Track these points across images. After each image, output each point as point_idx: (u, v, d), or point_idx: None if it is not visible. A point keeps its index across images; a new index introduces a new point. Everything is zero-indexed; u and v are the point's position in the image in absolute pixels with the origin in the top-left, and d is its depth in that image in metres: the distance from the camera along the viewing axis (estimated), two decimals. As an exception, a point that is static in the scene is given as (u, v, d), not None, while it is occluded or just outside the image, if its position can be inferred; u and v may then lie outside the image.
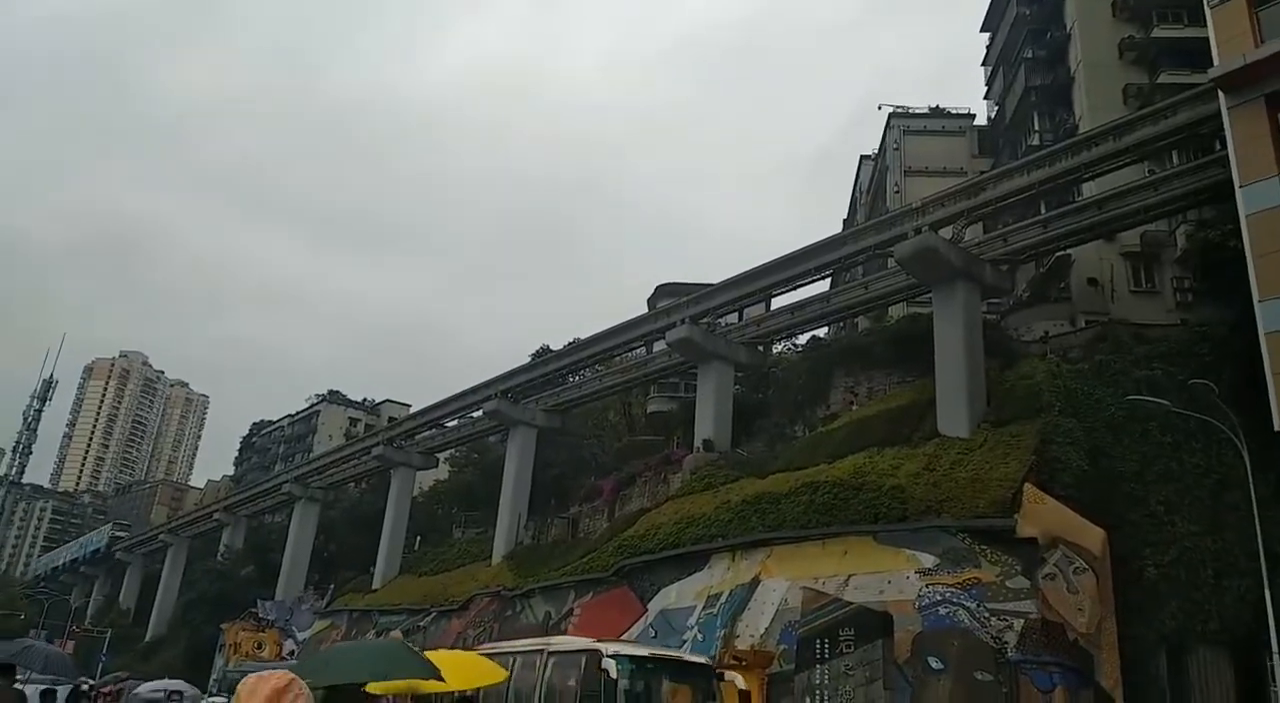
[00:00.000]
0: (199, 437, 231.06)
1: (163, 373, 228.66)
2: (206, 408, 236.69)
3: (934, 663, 19.86)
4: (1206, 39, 22.51)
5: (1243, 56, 20.53)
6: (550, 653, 14.96)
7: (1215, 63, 21.48)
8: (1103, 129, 27.33)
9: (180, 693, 26.99)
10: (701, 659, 15.74)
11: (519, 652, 16.59)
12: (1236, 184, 20.53)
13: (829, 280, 37.44)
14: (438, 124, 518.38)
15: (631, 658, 13.22)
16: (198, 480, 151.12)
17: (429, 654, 14.64)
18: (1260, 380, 19.02)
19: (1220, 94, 21.44)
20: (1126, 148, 25.95)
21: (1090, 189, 29.35)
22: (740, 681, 14.34)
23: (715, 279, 36.97)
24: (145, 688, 27.40)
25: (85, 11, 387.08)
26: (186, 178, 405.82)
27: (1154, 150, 26.63)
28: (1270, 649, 17.82)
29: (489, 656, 17.22)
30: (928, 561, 21.42)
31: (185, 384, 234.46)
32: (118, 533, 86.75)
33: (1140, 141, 25.71)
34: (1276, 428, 18.40)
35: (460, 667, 14.74)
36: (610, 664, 12.48)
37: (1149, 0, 35.70)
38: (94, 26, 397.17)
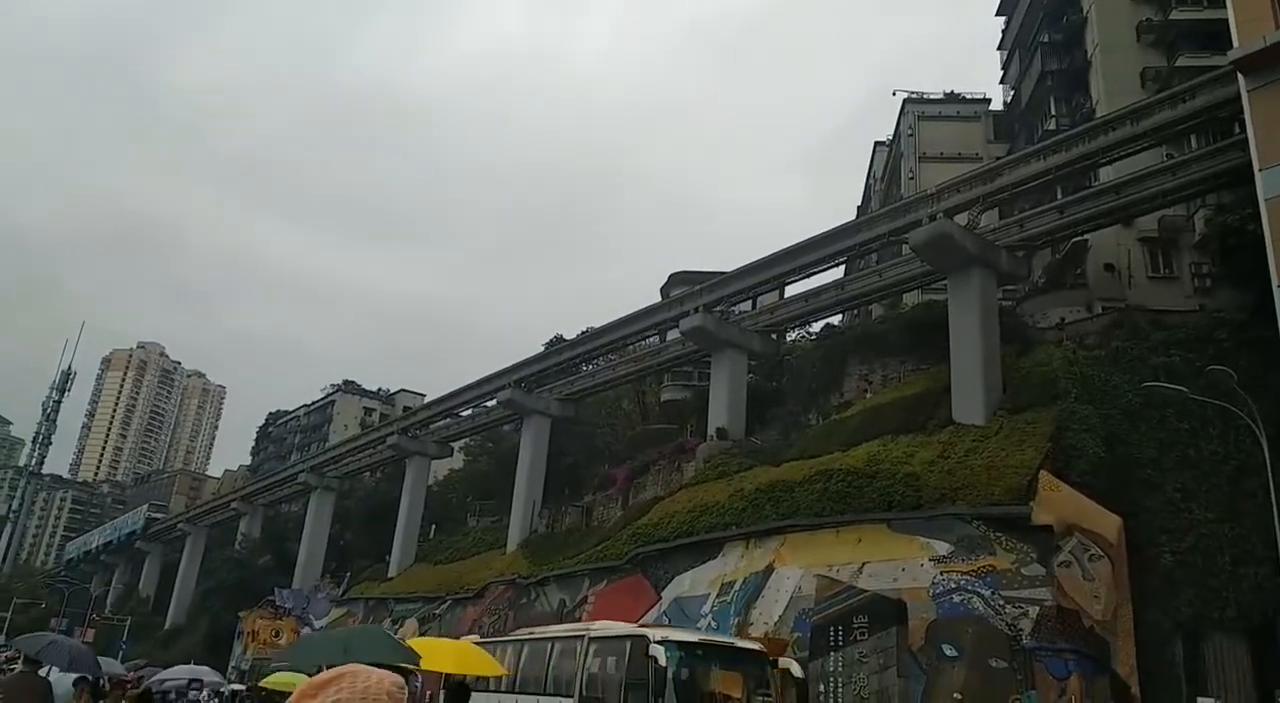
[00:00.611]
0: (216, 427, 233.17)
1: (180, 364, 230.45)
2: (223, 398, 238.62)
3: (948, 651, 19.82)
4: (1225, 21, 22.21)
5: (1263, 38, 20.24)
6: (592, 639, 14.37)
7: (1234, 45, 21.19)
8: (1120, 113, 27.02)
9: (200, 681, 27.26)
10: (754, 645, 14.90)
11: (557, 637, 16.21)
12: (1256, 168, 20.28)
13: (843, 268, 37.25)
14: (450, 112, 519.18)
15: (681, 644, 12.53)
16: (215, 470, 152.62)
17: (434, 642, 15.81)
18: (1279, 366, 18.82)
19: (1240, 77, 21.17)
20: (1144, 132, 25.65)
21: (1107, 174, 29.05)
22: (796, 668, 13.69)
23: (729, 265, 36.84)
24: (167, 674, 27.69)
25: (99, 10, 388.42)
26: (201, 169, 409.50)
27: (1172, 134, 26.32)
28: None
29: (524, 641, 17.25)
30: (942, 548, 21.36)
31: (202, 375, 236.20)
32: (153, 515, 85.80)
33: (1158, 126, 25.41)
34: (1296, 414, 18.21)
35: (457, 655, 14.84)
36: (659, 651, 11.84)
37: (1167, -18, 35.22)
38: (108, 25, 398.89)
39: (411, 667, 13.32)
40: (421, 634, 39.05)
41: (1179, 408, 22.58)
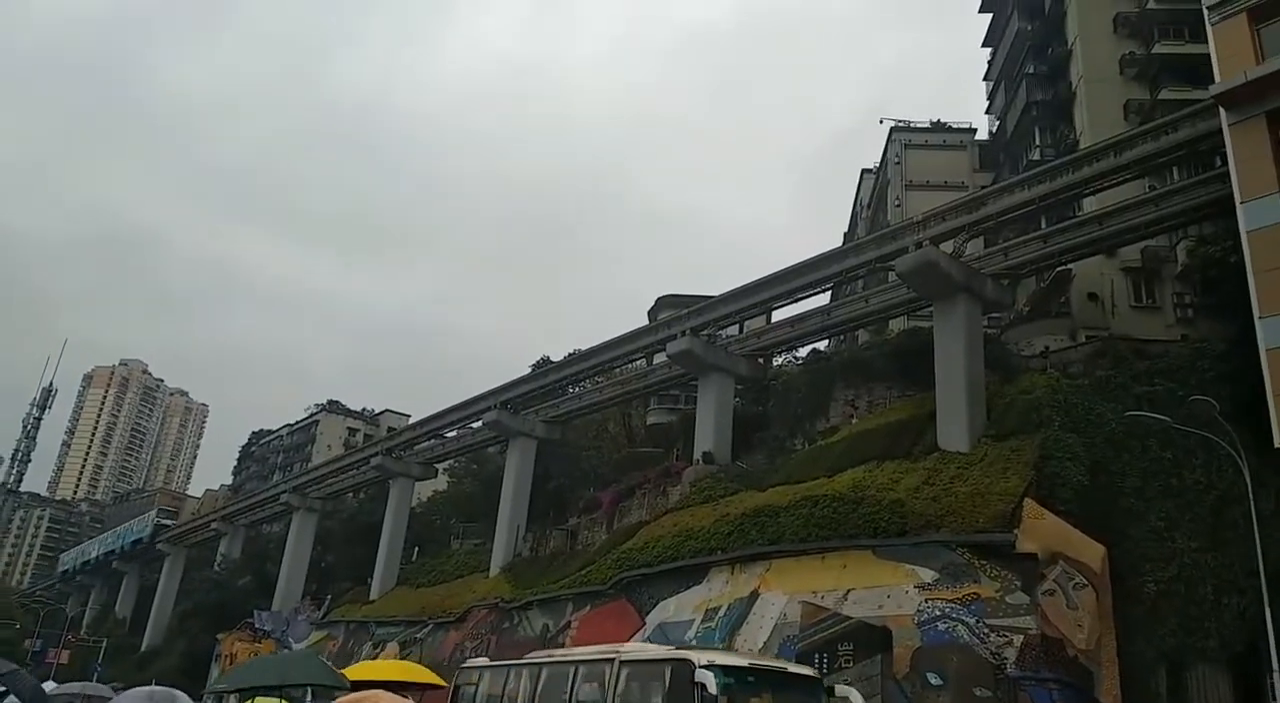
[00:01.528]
0: (198, 445, 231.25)
1: (162, 381, 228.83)
2: (206, 417, 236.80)
3: (933, 679, 19.75)
4: (1207, 55, 22.63)
5: (1244, 73, 20.62)
6: (624, 662, 13.21)
7: (1216, 79, 21.58)
8: (1103, 145, 27.38)
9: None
10: (808, 671, 13.77)
11: (582, 660, 14.95)
12: (1237, 200, 20.59)
13: (829, 293, 37.47)
14: (440, 126, 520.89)
15: (730, 669, 11.45)
16: (196, 489, 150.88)
17: (380, 663, 15.75)
18: (1261, 397, 19.01)
19: (1221, 110, 21.52)
20: (1127, 164, 25.99)
21: (1091, 204, 29.41)
22: (856, 696, 12.53)
23: (717, 288, 37.13)
24: (125, 697, 25.88)
25: (90, 12, 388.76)
26: (191, 179, 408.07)
27: (1155, 166, 26.68)
28: (1270, 667, 17.72)
29: (542, 664, 16.05)
30: (927, 575, 21.34)
31: (185, 393, 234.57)
32: (163, 521, 79.37)
33: (1141, 157, 25.75)
34: (1277, 444, 18.36)
35: (401, 670, 14.96)
36: (707, 677, 10.80)
37: (1150, 16, 35.89)
38: (98, 26, 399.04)
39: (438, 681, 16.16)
40: (403, 658, 38.66)
41: (1162, 437, 22.72)
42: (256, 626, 51.45)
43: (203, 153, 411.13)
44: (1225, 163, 22.03)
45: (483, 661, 20.06)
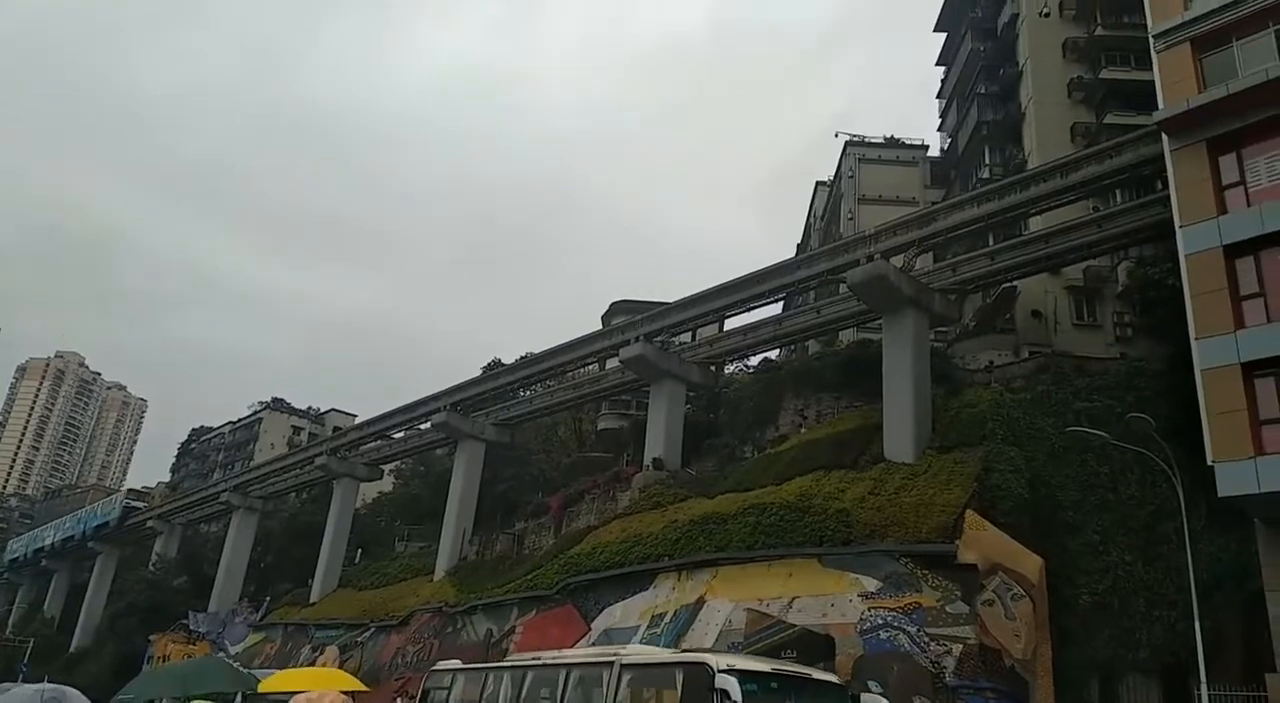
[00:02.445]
0: (135, 441, 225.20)
1: (100, 375, 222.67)
2: (144, 412, 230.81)
3: (874, 687, 19.94)
4: (1152, 82, 23.21)
5: (1186, 101, 21.20)
6: (625, 665, 12.06)
7: (1160, 106, 22.14)
8: (1050, 166, 28.04)
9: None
10: (832, 677, 13.01)
11: (574, 663, 13.72)
12: (1177, 224, 21.13)
13: (782, 303, 37.77)
14: (402, 129, 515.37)
15: (752, 675, 10.47)
16: (132, 486, 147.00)
17: (298, 672, 15.31)
18: (1195, 415, 19.54)
19: (1164, 136, 22.10)
20: (1072, 185, 26.63)
21: (1037, 223, 30.06)
22: None
23: (671, 295, 37.13)
24: (11, 694, 24.60)
25: (53, 4, 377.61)
26: (149, 174, 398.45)
27: (1099, 188, 27.37)
28: (1199, 677, 18.21)
29: (525, 668, 14.83)
30: (871, 584, 21.59)
31: (123, 387, 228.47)
32: (133, 503, 70.94)
33: (1086, 180, 26.40)
34: (1209, 462, 18.90)
35: (315, 677, 14.64)
36: (731, 685, 9.87)
37: (1098, 42, 36.82)
38: (61, 19, 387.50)
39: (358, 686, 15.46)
40: (343, 661, 38.06)
41: (1100, 452, 23.30)
42: (191, 627, 50.22)
43: (163, 149, 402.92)
44: (1166, 187, 22.60)
45: (455, 663, 19.02)
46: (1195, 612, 18.66)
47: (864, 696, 12.60)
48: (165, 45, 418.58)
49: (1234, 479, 18.37)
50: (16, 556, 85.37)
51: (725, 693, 9.95)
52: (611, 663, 12.27)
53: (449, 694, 16.55)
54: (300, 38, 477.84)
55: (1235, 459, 18.44)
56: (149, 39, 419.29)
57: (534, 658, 16.12)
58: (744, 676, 10.25)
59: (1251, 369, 18.94)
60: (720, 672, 10.11)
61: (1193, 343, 20.02)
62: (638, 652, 13.56)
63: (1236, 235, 19.86)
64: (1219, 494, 18.70)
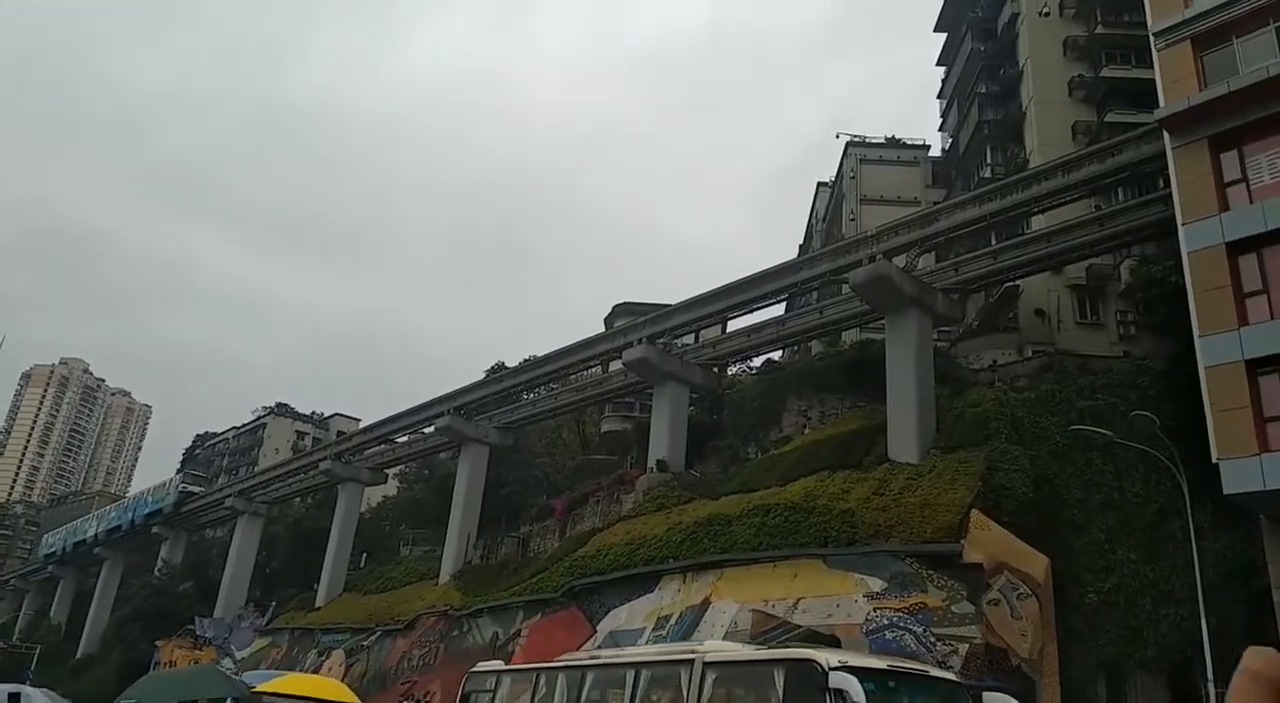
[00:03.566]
0: (139, 448, 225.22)
1: (104, 381, 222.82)
2: (149, 418, 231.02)
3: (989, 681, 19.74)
4: (1153, 80, 23.23)
5: (1187, 99, 21.21)
6: (709, 664, 10.84)
7: (1161, 104, 22.16)
8: (1052, 165, 28.04)
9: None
10: (951, 676, 12.04)
11: (643, 662, 12.52)
12: (1179, 222, 21.13)
13: (784, 304, 37.78)
14: (399, 130, 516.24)
15: (868, 673, 9.38)
16: (136, 492, 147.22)
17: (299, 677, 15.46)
18: (1199, 413, 19.53)
19: (1165, 134, 22.12)
20: (1074, 184, 26.63)
21: (1039, 222, 30.05)
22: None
23: (674, 297, 37.15)
24: None
25: (42, 4, 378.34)
26: (142, 176, 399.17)
27: (1101, 187, 27.37)
28: (1206, 676, 18.20)
29: (585, 668, 13.69)
30: (876, 585, 21.57)
31: (127, 393, 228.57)
32: (190, 487, 65.63)
33: (1088, 178, 26.40)
34: (1214, 459, 18.89)
35: (311, 684, 14.68)
36: (850, 684, 8.85)
37: (1099, 41, 36.83)
38: (50, 19, 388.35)
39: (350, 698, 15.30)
40: (349, 665, 38.11)
41: (1104, 451, 23.28)
42: (198, 633, 50.28)
43: (156, 151, 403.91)
44: (1168, 185, 22.63)
45: (497, 664, 17.96)
46: (1201, 610, 18.67)
47: (987, 694, 11.40)
48: (159, 44, 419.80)
49: (1239, 477, 18.36)
50: (53, 549, 78.47)
51: (842, 694, 8.88)
52: (691, 661, 11.01)
53: (493, 698, 15.32)
54: (295, 37, 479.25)
55: (1240, 457, 18.43)
56: (142, 38, 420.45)
57: (591, 657, 15.13)
58: (859, 673, 9.23)
59: (1255, 366, 18.94)
60: (834, 670, 9.02)
61: (1196, 340, 20.01)
62: (722, 648, 12.33)
63: (1239, 232, 19.87)
64: (1224, 492, 18.69)
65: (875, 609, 21.14)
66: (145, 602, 57.76)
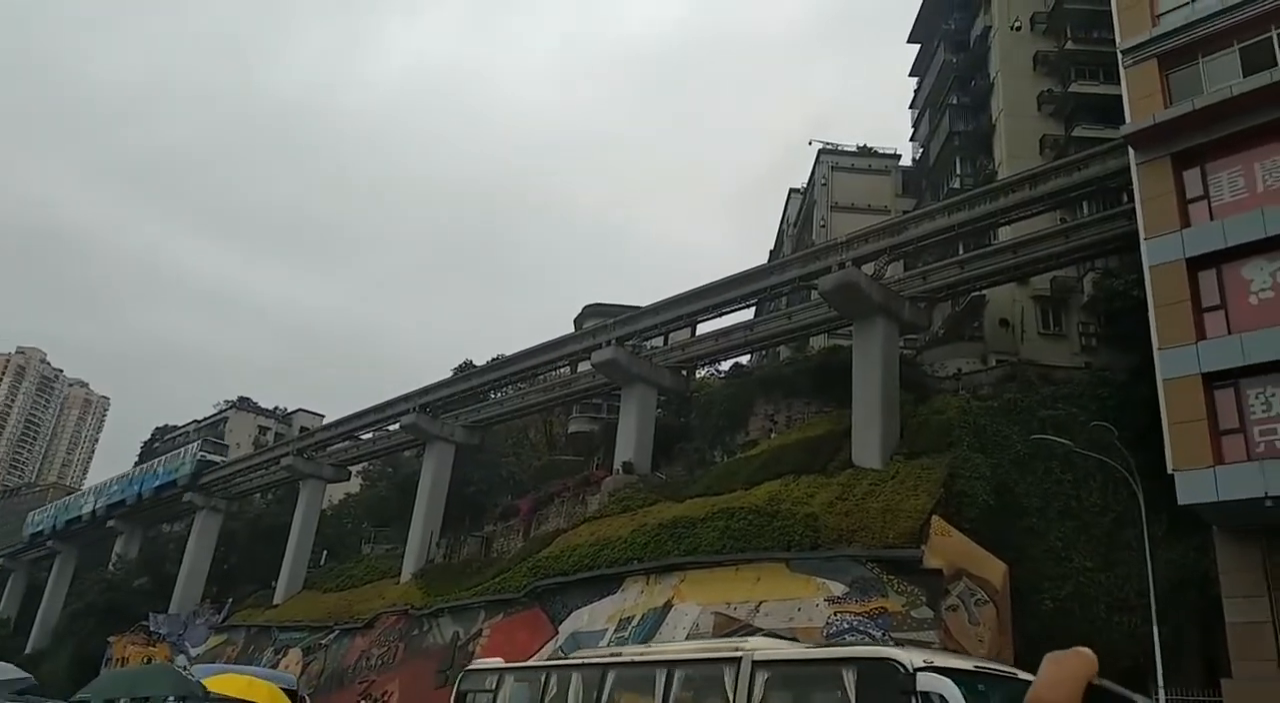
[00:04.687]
0: (97, 439, 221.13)
1: (61, 371, 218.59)
2: (107, 410, 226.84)
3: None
4: (1120, 97, 23.59)
5: (1152, 116, 21.57)
6: (760, 663, 9.58)
7: (1127, 120, 22.51)
8: (1019, 177, 28.42)
9: None
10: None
11: (679, 660, 11.16)
12: (1142, 236, 21.47)
13: (754, 309, 37.93)
14: (373, 129, 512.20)
15: (955, 674, 8.33)
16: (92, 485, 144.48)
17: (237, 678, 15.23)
18: (1157, 425, 19.86)
19: (1130, 150, 22.47)
20: (1041, 196, 27.01)
21: (1006, 233, 30.45)
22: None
23: (644, 299, 37.19)
24: None
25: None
26: (115, 171, 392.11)
27: (1067, 200, 27.77)
28: (1156, 683, 18.50)
29: (601, 665, 12.38)
30: (837, 589, 21.69)
31: (85, 384, 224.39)
32: (209, 456, 58.64)
33: (1054, 191, 26.78)
34: (1170, 470, 19.20)
35: (247, 686, 14.46)
36: (945, 687, 7.88)
37: (1068, 56, 37.40)
38: (25, 9, 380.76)
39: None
40: (307, 664, 37.68)
41: (1064, 460, 23.63)
42: (152, 629, 49.38)
43: (129, 145, 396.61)
44: (1132, 200, 22.98)
45: (497, 661, 16.37)
46: (1154, 618, 18.98)
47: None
48: (130, 38, 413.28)
49: (1193, 488, 18.68)
50: (40, 529, 71.32)
51: (930, 698, 7.89)
52: (738, 659, 9.72)
53: (494, 699, 13.90)
54: (277, 34, 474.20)
55: (1195, 468, 18.76)
56: (113, 31, 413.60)
57: (613, 653, 13.64)
58: (953, 675, 8.26)
59: (1211, 380, 19.29)
60: (921, 670, 7.97)
61: (1155, 353, 20.34)
62: (771, 645, 10.99)
63: (1199, 248, 20.23)
64: (1179, 502, 18.99)
65: (836, 613, 21.25)
66: (99, 597, 56.67)
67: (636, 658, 12.35)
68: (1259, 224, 19.38)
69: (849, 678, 8.82)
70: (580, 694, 12.11)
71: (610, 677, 11.84)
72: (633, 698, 11.46)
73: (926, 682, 7.99)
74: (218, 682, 15.57)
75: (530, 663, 16.89)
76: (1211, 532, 19.85)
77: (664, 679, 10.60)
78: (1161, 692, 18.23)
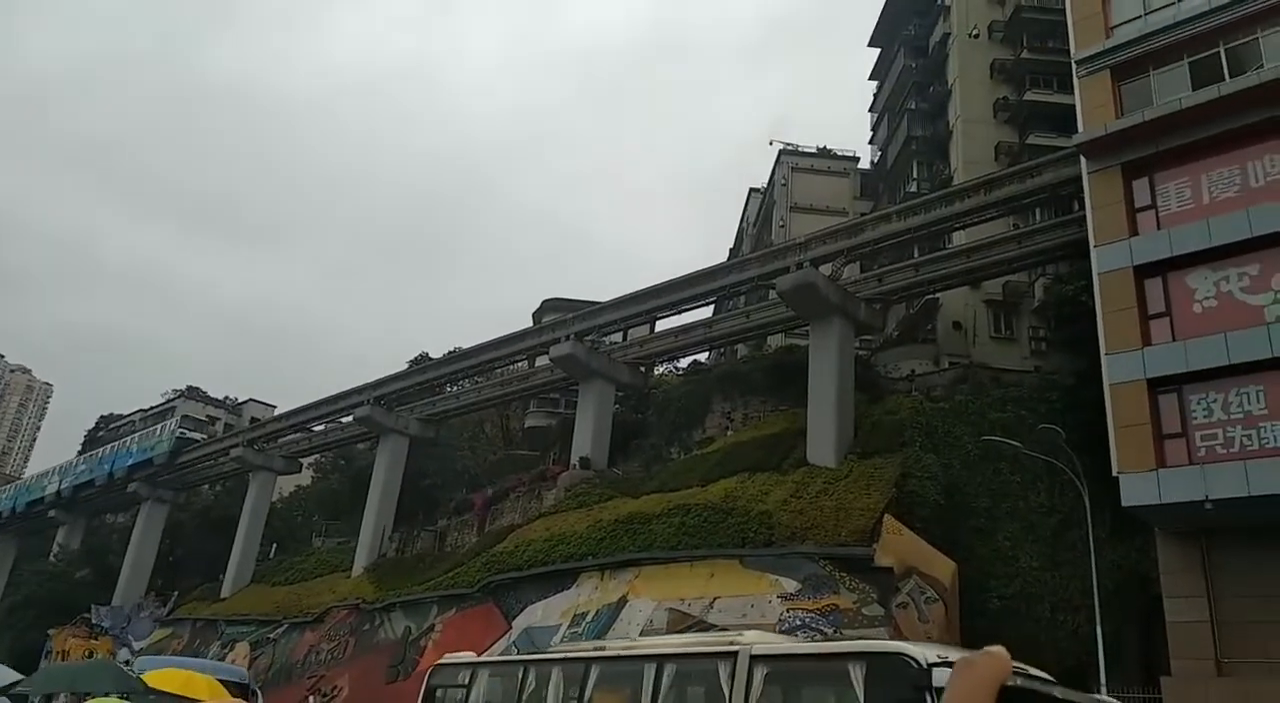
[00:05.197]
0: (38, 427, 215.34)
1: (2, 357, 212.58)
2: (49, 397, 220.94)
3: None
4: (1073, 106, 24.08)
5: (1104, 126, 22.05)
6: (758, 657, 9.09)
7: (1080, 129, 22.99)
8: (974, 183, 28.88)
9: None
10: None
11: (669, 654, 10.45)
12: (1092, 244, 21.95)
13: (713, 307, 38.12)
14: (318, 117, 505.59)
15: None
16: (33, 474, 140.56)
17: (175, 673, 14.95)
18: (1102, 428, 20.33)
19: (1082, 159, 22.95)
20: (995, 202, 27.48)
21: (960, 238, 30.93)
22: None
23: (602, 295, 37.19)
24: None
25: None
26: (47, 153, 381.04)
27: (1020, 206, 28.30)
28: (1098, 682, 18.97)
29: (583, 659, 11.67)
30: (790, 586, 21.93)
31: (28, 370, 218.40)
32: (188, 432, 54.90)
33: (1007, 197, 27.27)
34: (1114, 473, 19.68)
35: (184, 681, 14.29)
36: None
37: (1024, 65, 38.05)
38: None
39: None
40: (254, 658, 37.12)
41: (1012, 461, 24.11)
42: (94, 621, 48.27)
43: (62, 127, 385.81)
44: (1083, 208, 23.48)
45: (469, 656, 15.74)
46: (1098, 617, 19.45)
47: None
48: (61, 16, 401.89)
49: (1137, 490, 19.17)
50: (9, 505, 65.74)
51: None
52: (735, 653, 9.19)
53: (467, 695, 13.21)
54: (214, 17, 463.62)
55: (1139, 471, 19.24)
56: (47, 12, 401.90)
57: (597, 647, 12.81)
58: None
59: (1156, 385, 19.79)
60: (936, 666, 7.44)
61: (1103, 358, 20.81)
62: (768, 639, 10.39)
63: (1147, 257, 20.75)
64: (1123, 504, 19.48)
65: (788, 610, 21.48)
66: (39, 588, 55.21)
67: (623, 652, 11.66)
68: (1205, 234, 19.93)
69: (856, 674, 8.37)
70: (561, 690, 11.51)
71: (594, 672, 11.20)
72: (617, 695, 10.91)
73: (941, 678, 7.29)
74: (158, 676, 15.32)
75: (507, 657, 16.40)
76: (1153, 533, 20.40)
77: (653, 674, 10.04)
78: (1104, 689, 18.68)
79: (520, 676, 12.44)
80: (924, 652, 7.84)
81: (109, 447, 61.98)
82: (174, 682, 15.07)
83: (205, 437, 55.83)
